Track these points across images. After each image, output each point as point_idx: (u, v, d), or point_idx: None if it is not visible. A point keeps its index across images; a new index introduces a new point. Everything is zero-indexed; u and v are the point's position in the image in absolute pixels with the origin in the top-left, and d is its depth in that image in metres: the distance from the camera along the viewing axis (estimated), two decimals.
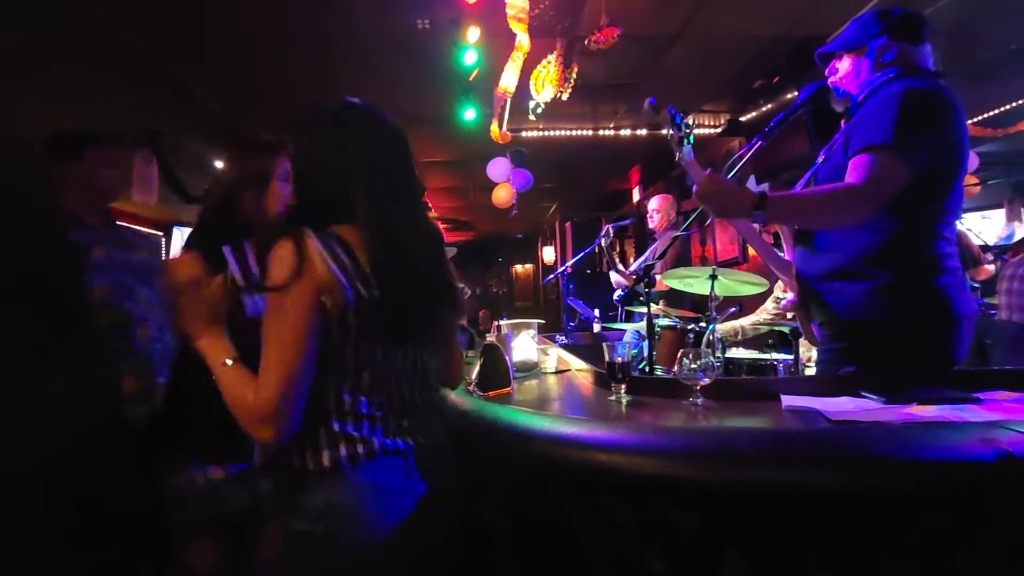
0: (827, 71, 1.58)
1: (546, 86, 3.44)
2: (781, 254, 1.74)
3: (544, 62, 3.42)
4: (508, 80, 3.27)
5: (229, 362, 0.93)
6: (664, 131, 1.48)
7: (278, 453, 0.95)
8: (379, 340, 0.95)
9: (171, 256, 1.01)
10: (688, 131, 1.47)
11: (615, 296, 3.82)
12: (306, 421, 0.91)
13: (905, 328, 1.35)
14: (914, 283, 1.36)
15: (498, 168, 5.50)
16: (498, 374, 1.56)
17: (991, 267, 3.84)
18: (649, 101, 1.50)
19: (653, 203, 3.85)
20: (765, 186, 4.42)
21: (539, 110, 3.65)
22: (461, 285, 1.70)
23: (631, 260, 7.01)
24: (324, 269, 0.89)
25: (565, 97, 3.53)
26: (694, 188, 1.37)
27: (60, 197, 1.68)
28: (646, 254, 3.93)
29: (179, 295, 0.98)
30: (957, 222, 1.45)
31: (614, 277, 3.75)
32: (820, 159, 1.55)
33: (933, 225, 1.38)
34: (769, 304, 2.96)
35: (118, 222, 1.90)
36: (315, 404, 0.92)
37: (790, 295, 1.64)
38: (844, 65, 1.52)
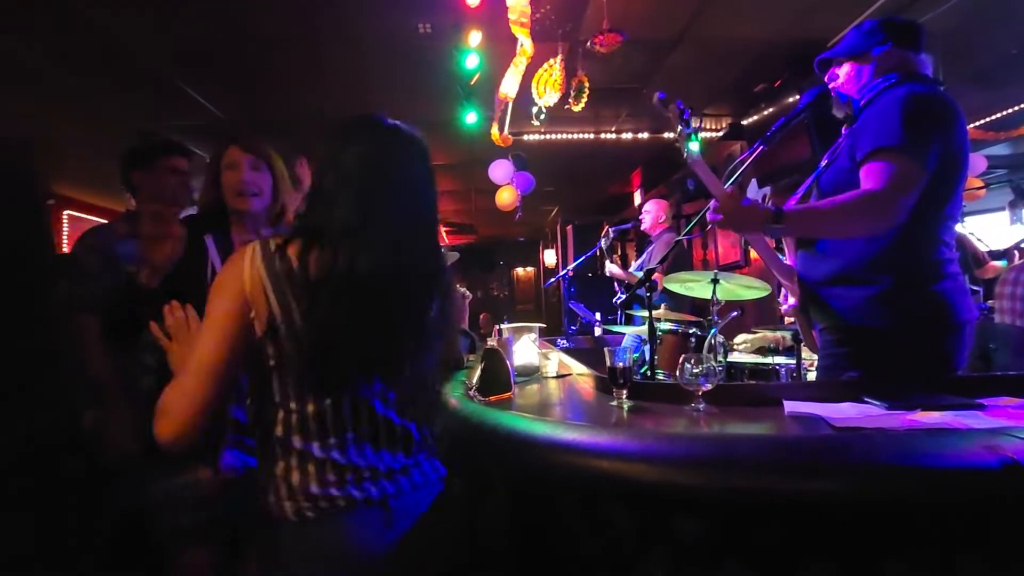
0: (827, 77, 1.58)
1: (548, 91, 3.44)
2: (783, 258, 1.73)
3: (545, 66, 3.42)
4: (509, 85, 3.27)
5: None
6: (674, 134, 1.48)
7: (250, 497, 0.94)
8: (312, 376, 0.90)
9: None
10: (694, 129, 1.47)
11: (616, 299, 3.83)
12: (263, 464, 0.91)
13: (906, 333, 1.34)
14: (915, 288, 1.36)
15: (500, 171, 5.50)
16: (499, 379, 1.55)
17: (997, 263, 3.83)
18: (658, 95, 1.49)
19: (648, 205, 3.87)
20: (766, 190, 4.42)
21: (542, 115, 3.65)
22: (462, 289, 1.69)
23: (632, 263, 7.01)
24: (253, 283, 0.87)
25: (578, 109, 3.52)
26: (712, 205, 1.38)
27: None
28: (643, 257, 3.94)
29: (170, 339, 0.98)
30: (958, 226, 1.45)
31: (609, 268, 3.76)
32: (823, 164, 1.54)
33: (934, 230, 1.37)
34: None
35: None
36: (268, 443, 0.90)
37: (792, 300, 1.63)
38: (845, 71, 1.52)
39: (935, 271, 1.36)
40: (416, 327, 1.00)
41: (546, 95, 3.46)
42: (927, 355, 1.34)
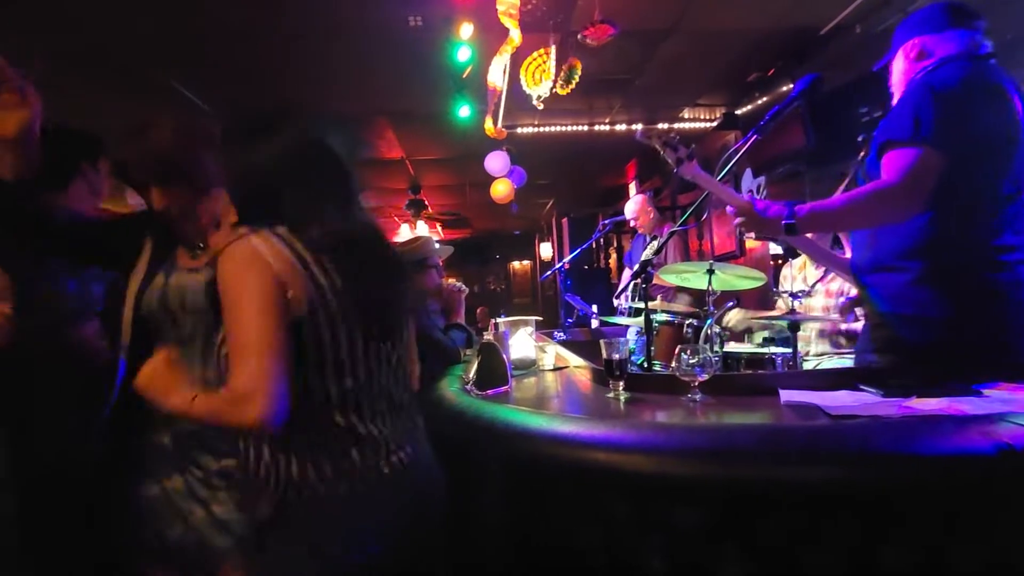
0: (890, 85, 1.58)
1: (541, 80, 3.41)
2: (839, 251, 1.74)
3: (534, 55, 3.39)
4: (495, 74, 3.25)
5: (194, 397, 0.91)
6: (669, 161, 1.52)
7: (256, 466, 0.92)
8: (356, 333, 0.93)
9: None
10: (691, 148, 1.52)
11: (621, 296, 3.80)
12: (288, 426, 0.89)
13: (952, 321, 1.29)
14: (954, 276, 1.30)
15: (496, 162, 5.46)
16: (496, 372, 1.55)
17: None
18: (638, 134, 1.56)
19: (631, 210, 3.84)
20: (761, 180, 4.41)
21: (537, 100, 3.61)
22: (458, 283, 1.69)
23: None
24: (279, 261, 0.88)
25: (564, 92, 3.49)
26: (729, 210, 1.44)
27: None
28: (646, 250, 3.93)
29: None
30: None
31: (627, 275, 3.74)
32: (860, 156, 1.55)
33: (985, 213, 1.29)
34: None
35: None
36: (294, 410, 0.89)
37: (853, 292, 1.63)
38: (893, 76, 1.53)
39: (985, 258, 1.28)
40: (405, 293, 1.08)
41: (537, 86, 3.43)
42: (975, 342, 1.28)
